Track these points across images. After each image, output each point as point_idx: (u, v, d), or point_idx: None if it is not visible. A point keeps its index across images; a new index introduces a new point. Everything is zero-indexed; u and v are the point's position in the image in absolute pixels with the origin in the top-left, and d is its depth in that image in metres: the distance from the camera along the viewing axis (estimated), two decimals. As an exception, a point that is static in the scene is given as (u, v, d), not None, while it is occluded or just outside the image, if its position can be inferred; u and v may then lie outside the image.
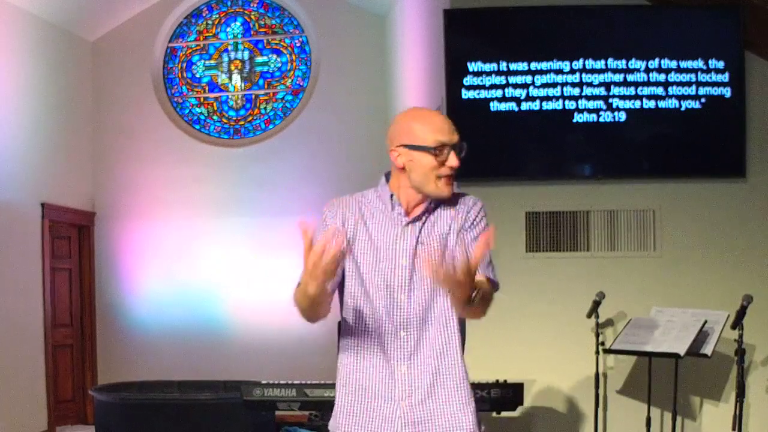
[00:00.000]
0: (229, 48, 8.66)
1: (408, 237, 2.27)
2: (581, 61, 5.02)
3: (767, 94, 5.09)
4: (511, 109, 5.03)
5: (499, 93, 5.02)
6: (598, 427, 4.87)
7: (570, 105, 5.03)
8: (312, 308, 2.18)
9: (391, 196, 2.29)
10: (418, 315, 2.25)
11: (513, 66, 5.02)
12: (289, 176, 8.29)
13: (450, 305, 2.25)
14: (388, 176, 2.35)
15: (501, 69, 5.02)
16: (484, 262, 2.27)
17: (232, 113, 8.66)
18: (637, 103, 5.03)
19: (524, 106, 5.03)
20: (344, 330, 2.35)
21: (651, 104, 5.02)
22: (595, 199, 5.12)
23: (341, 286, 2.31)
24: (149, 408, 6.27)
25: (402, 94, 7.38)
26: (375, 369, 2.27)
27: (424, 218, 2.29)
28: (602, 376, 4.93)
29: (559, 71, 5.03)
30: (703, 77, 5.01)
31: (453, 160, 2.22)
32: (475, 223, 2.31)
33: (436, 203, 2.31)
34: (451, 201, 2.32)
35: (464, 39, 5.09)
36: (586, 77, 5.03)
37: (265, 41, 8.64)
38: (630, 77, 5.02)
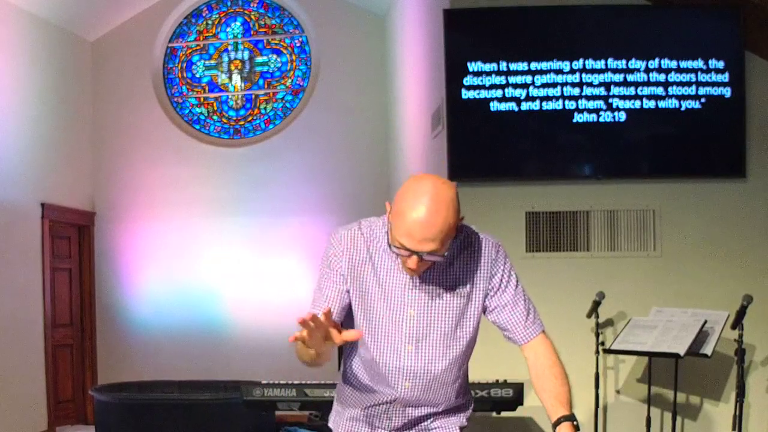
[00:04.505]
0: (229, 48, 8.66)
1: (418, 285, 2.14)
2: (581, 61, 5.02)
3: (767, 94, 5.09)
4: (511, 109, 5.03)
5: (499, 93, 5.02)
6: (598, 427, 4.86)
7: (570, 105, 5.03)
8: (312, 363, 2.14)
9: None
10: (425, 367, 2.17)
11: (513, 66, 5.02)
12: (289, 176, 8.28)
13: (461, 361, 2.20)
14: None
15: (501, 69, 5.02)
16: (528, 318, 2.20)
17: (232, 113, 8.66)
18: (637, 103, 5.02)
19: (524, 106, 5.03)
20: (346, 367, 2.31)
21: (651, 104, 5.02)
22: (595, 199, 5.12)
23: (348, 315, 2.22)
24: (149, 408, 6.26)
25: (402, 94, 7.38)
26: (373, 402, 2.25)
27: (435, 265, 2.12)
28: (602, 376, 4.93)
29: (559, 71, 5.03)
30: (703, 77, 5.02)
31: (411, 263, 2.03)
32: (502, 284, 2.19)
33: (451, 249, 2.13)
34: (471, 245, 2.17)
35: (464, 39, 5.09)
36: (586, 77, 5.03)
37: (265, 41, 8.64)
38: (630, 77, 5.02)
